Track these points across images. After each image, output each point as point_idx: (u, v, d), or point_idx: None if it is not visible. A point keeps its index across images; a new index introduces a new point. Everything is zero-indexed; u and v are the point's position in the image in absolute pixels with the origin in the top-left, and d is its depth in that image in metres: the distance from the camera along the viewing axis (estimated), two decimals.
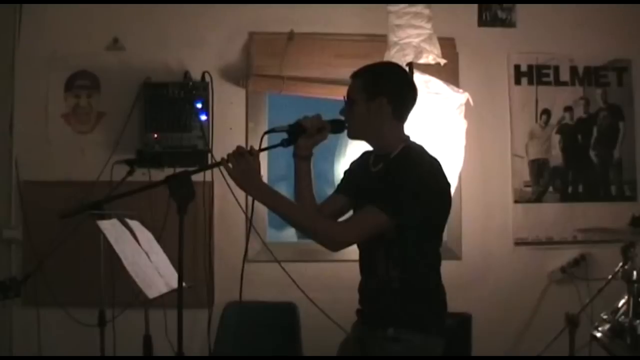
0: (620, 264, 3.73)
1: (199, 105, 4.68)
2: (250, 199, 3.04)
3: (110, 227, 3.81)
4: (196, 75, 4.80)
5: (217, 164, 2.98)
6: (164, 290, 3.77)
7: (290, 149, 3.16)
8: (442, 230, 3.11)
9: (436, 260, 3.08)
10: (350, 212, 3.19)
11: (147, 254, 3.92)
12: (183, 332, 2.92)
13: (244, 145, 2.99)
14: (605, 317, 3.74)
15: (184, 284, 2.94)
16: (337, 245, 2.94)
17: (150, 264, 3.87)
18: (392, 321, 2.97)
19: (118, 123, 4.81)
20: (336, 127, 3.14)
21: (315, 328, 4.66)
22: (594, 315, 3.94)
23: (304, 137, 3.10)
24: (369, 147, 3.19)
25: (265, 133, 3.08)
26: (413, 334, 2.96)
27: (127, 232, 3.91)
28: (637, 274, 3.50)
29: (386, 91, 3.03)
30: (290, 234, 5.13)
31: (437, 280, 3.08)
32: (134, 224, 3.99)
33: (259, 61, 4.90)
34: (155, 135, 4.62)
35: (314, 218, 3.04)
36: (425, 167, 2.97)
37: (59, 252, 4.52)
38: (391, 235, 2.90)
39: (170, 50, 4.88)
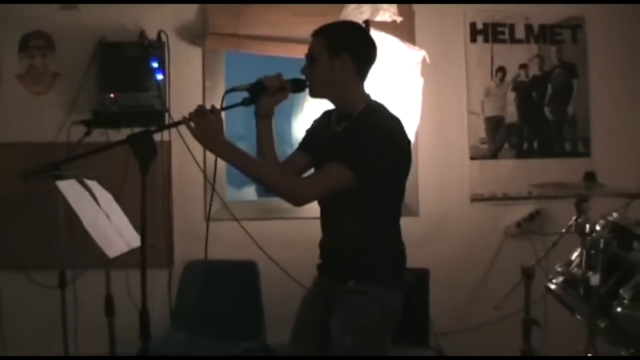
0: (574, 217, 3.80)
1: (155, 65, 4.65)
2: (210, 159, 3.05)
3: (69, 188, 3.79)
4: (152, 35, 4.75)
5: (179, 123, 2.97)
6: (125, 249, 3.79)
7: (250, 108, 3.16)
8: (404, 187, 3.15)
9: (397, 216, 3.14)
10: (312, 170, 3.21)
11: (106, 214, 3.92)
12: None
13: (201, 104, 2.99)
14: (559, 269, 3.81)
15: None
16: (301, 200, 2.97)
17: (110, 224, 3.88)
18: (353, 274, 3.03)
19: (74, 83, 4.76)
20: (297, 86, 3.14)
21: (276, 285, 4.74)
22: (549, 268, 4.01)
23: (265, 96, 3.10)
24: (327, 106, 3.22)
25: (227, 92, 3.05)
26: (373, 286, 3.02)
27: (86, 193, 3.90)
28: (590, 227, 3.57)
29: (350, 49, 3.05)
30: (250, 192, 5.15)
31: (398, 235, 3.13)
32: (93, 185, 3.99)
33: (215, 19, 4.86)
34: (112, 96, 4.59)
35: (279, 174, 3.07)
36: (387, 125, 3.01)
37: (16, 214, 4.52)
38: (353, 191, 2.93)
39: (125, 9, 4.81)
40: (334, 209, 3.09)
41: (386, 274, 3.06)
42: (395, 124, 3.03)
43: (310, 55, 3.10)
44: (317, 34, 3.12)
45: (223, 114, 2.94)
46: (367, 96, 3.12)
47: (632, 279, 3.27)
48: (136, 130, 3.04)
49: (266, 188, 3.13)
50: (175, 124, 3.11)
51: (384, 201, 3.06)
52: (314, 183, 3.01)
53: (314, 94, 3.15)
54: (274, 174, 3.03)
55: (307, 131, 3.36)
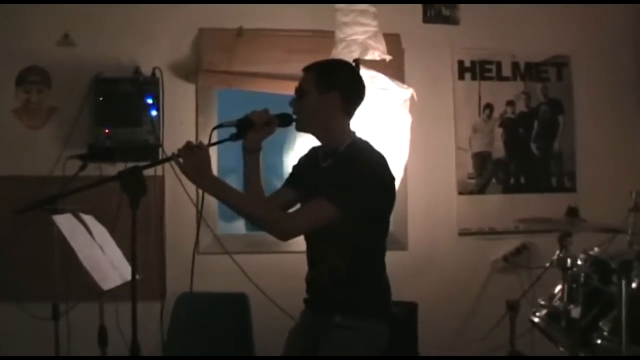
0: (557, 252, 3.88)
1: (150, 101, 4.73)
2: (200, 192, 3.11)
3: (65, 222, 3.85)
4: (147, 71, 4.83)
5: (168, 159, 3.04)
6: (119, 282, 3.83)
7: (240, 142, 3.21)
8: (388, 222, 3.21)
9: (381, 250, 3.18)
10: (298, 206, 3.27)
11: (101, 247, 3.96)
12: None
13: (193, 139, 3.06)
14: (542, 302, 3.88)
15: (137, 276, 3.01)
16: (287, 234, 3.04)
17: (104, 257, 3.92)
18: (339, 308, 3.08)
19: (69, 118, 4.82)
20: (283, 120, 3.19)
21: (266, 317, 4.78)
22: (535, 302, 4.07)
23: (253, 131, 3.15)
24: (317, 142, 3.27)
25: (215, 128, 3.13)
26: (359, 320, 3.07)
27: (82, 226, 3.95)
28: (571, 261, 3.64)
29: (339, 86, 3.11)
30: (239, 225, 5.20)
31: (382, 269, 3.18)
32: (88, 218, 4.03)
33: (209, 57, 4.96)
34: (107, 131, 4.66)
35: (265, 208, 3.12)
36: (372, 161, 3.07)
37: (11, 247, 4.56)
38: (338, 226, 2.97)
39: (120, 45, 4.89)
40: (319, 243, 3.15)
41: (372, 308, 3.11)
42: (379, 160, 3.08)
43: (300, 89, 3.16)
44: (308, 69, 3.18)
45: (215, 148, 3.00)
46: (353, 133, 3.18)
47: (611, 311, 3.33)
48: (130, 164, 3.09)
49: (252, 222, 3.17)
50: (165, 160, 3.17)
51: (368, 236, 3.11)
52: (299, 218, 3.06)
53: (300, 128, 3.21)
54: (260, 209, 3.07)
55: (294, 167, 3.41)
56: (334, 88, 3.10)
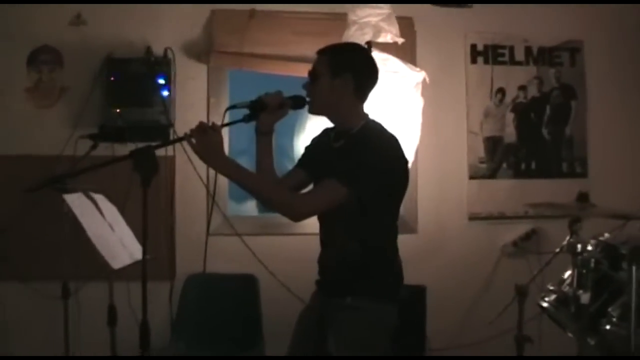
0: (567, 237, 3.87)
1: (161, 81, 4.73)
2: (212, 173, 3.11)
3: (76, 201, 3.87)
4: (158, 51, 4.83)
5: (181, 139, 3.05)
6: (128, 261, 3.84)
7: (252, 123, 3.22)
8: (400, 205, 3.21)
9: (393, 233, 3.20)
10: (310, 186, 3.27)
11: (111, 226, 3.98)
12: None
13: (205, 120, 3.06)
14: (551, 287, 3.87)
15: (147, 256, 3.01)
16: (299, 215, 3.03)
17: (114, 236, 3.94)
18: (351, 290, 3.09)
19: (81, 98, 4.83)
20: (296, 103, 3.20)
21: (275, 300, 4.79)
22: (544, 287, 4.06)
23: (266, 113, 3.16)
24: (329, 124, 3.27)
25: (228, 109, 3.12)
26: (370, 302, 3.08)
27: (92, 205, 3.97)
28: (581, 247, 3.63)
29: (352, 69, 3.11)
30: (251, 207, 5.21)
31: (394, 252, 3.19)
32: (99, 198, 4.05)
33: (221, 38, 4.96)
34: (118, 110, 4.66)
35: (277, 190, 3.13)
36: (384, 143, 3.07)
37: (21, 226, 4.58)
38: (350, 208, 2.98)
39: (132, 26, 4.89)
40: (332, 226, 3.16)
41: (383, 290, 3.12)
42: (392, 142, 3.09)
43: (313, 72, 3.16)
44: (322, 52, 3.19)
45: (227, 129, 3.00)
46: (366, 115, 3.18)
47: (620, 297, 3.33)
48: (141, 145, 3.10)
49: (264, 203, 3.18)
50: (177, 140, 3.18)
51: (381, 218, 3.11)
52: (310, 199, 3.07)
53: (313, 111, 3.21)
54: (272, 190, 3.08)
55: (306, 148, 3.42)
56: (347, 71, 3.10)
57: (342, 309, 3.09)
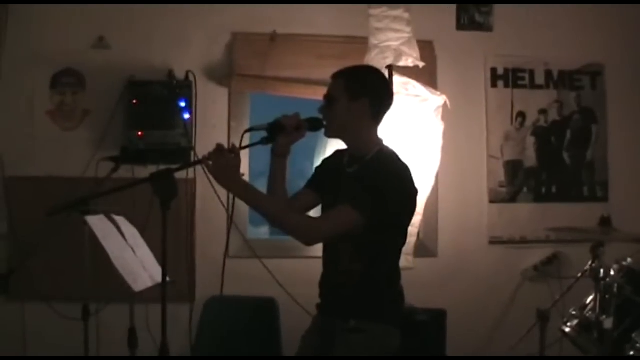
0: (590, 262, 3.85)
1: (183, 104, 4.75)
2: (232, 196, 3.12)
3: (98, 223, 3.88)
4: (180, 74, 4.87)
5: (199, 162, 3.06)
6: (149, 284, 3.85)
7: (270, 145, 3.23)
8: (406, 231, 3.22)
9: (396, 258, 3.22)
10: (318, 207, 3.30)
11: (132, 248, 3.99)
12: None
13: (226, 143, 3.07)
14: (574, 312, 3.85)
15: (167, 279, 3.02)
16: (311, 240, 3.06)
17: (135, 259, 3.94)
18: (353, 313, 3.10)
19: (103, 121, 4.86)
20: (314, 125, 3.21)
21: (296, 323, 4.73)
22: (565, 312, 4.04)
23: (283, 135, 3.18)
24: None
25: (246, 131, 3.14)
26: (373, 324, 3.09)
27: (114, 228, 3.98)
28: (604, 272, 3.62)
29: (369, 94, 3.12)
30: (264, 230, 5.21)
31: (397, 275, 3.20)
32: (120, 220, 4.06)
33: (242, 61, 4.99)
34: (140, 133, 4.68)
35: (290, 214, 3.12)
36: (397, 172, 3.09)
37: (43, 248, 4.60)
38: (358, 233, 2.99)
39: (154, 49, 4.94)
40: (337, 248, 3.16)
41: (386, 312, 3.14)
42: (405, 171, 3.11)
43: (329, 96, 3.17)
44: (338, 76, 3.20)
45: (246, 151, 3.01)
46: (380, 141, 3.20)
47: None
48: (162, 167, 3.11)
49: (278, 227, 3.17)
50: (196, 163, 3.19)
51: (386, 243, 3.13)
52: (324, 224, 3.07)
53: (329, 134, 3.23)
54: (286, 215, 3.08)
55: (317, 169, 3.44)
56: (363, 95, 3.12)
57: (346, 332, 3.09)
